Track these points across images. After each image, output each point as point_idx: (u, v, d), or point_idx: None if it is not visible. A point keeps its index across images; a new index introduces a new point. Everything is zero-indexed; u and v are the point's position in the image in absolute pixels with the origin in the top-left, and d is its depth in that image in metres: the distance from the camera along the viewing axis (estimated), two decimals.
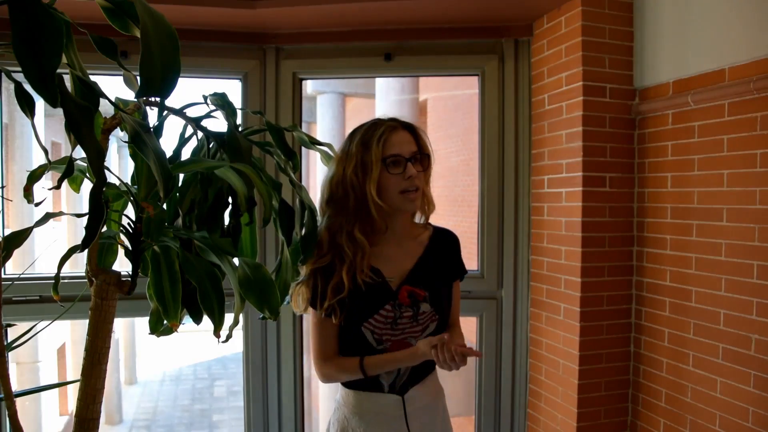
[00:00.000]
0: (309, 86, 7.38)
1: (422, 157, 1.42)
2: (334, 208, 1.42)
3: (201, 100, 1.22)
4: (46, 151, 0.97)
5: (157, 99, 0.96)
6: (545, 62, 2.14)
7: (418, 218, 1.52)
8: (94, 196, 0.85)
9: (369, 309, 1.42)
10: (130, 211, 1.18)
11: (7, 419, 1.02)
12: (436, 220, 1.57)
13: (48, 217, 1.07)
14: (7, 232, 1.54)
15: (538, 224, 2.23)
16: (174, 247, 1.09)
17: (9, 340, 1.31)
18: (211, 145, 1.23)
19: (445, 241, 1.55)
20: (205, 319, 1.13)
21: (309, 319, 1.53)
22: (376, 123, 1.42)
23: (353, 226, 1.39)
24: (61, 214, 1.16)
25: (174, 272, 1.11)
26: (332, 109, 7.67)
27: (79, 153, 0.89)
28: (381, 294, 1.42)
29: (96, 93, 0.89)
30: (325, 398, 6.28)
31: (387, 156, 1.37)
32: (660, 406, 1.93)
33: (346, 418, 1.47)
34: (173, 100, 0.96)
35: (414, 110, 6.38)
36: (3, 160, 2.56)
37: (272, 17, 2.09)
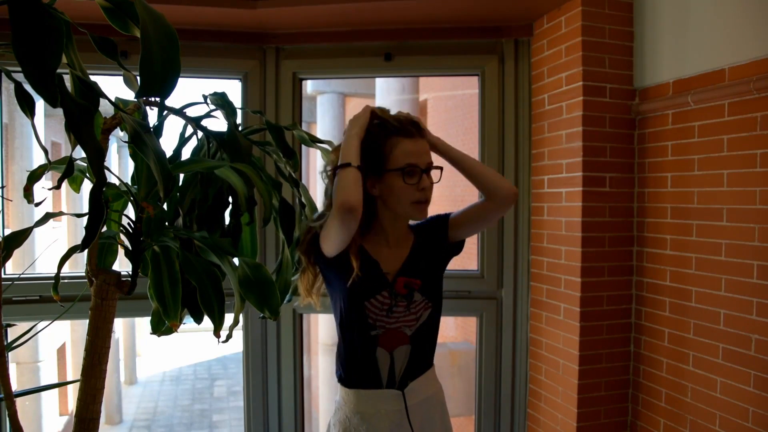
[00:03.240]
0: (309, 86, 7.36)
1: (434, 169, 1.42)
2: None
3: (201, 99, 1.22)
4: (46, 151, 0.98)
5: (157, 99, 0.96)
6: (545, 62, 2.14)
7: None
8: (94, 196, 0.85)
9: (370, 289, 1.42)
10: (130, 211, 1.18)
11: (7, 419, 1.02)
12: None
13: (48, 217, 1.08)
14: (7, 232, 1.54)
15: (538, 224, 2.23)
16: (174, 247, 1.09)
17: (9, 340, 1.32)
18: (211, 145, 1.23)
19: (426, 228, 1.54)
20: (205, 319, 1.13)
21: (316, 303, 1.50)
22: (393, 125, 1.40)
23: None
24: (61, 214, 1.16)
25: (174, 272, 1.11)
26: (332, 109, 7.66)
27: (79, 153, 0.89)
28: (379, 281, 1.43)
29: (96, 93, 0.89)
30: (325, 398, 6.28)
31: (404, 165, 1.37)
32: (660, 406, 1.93)
33: (347, 418, 1.47)
34: (173, 100, 0.96)
35: (414, 110, 6.38)
36: (3, 160, 2.57)
37: (272, 17, 2.09)
